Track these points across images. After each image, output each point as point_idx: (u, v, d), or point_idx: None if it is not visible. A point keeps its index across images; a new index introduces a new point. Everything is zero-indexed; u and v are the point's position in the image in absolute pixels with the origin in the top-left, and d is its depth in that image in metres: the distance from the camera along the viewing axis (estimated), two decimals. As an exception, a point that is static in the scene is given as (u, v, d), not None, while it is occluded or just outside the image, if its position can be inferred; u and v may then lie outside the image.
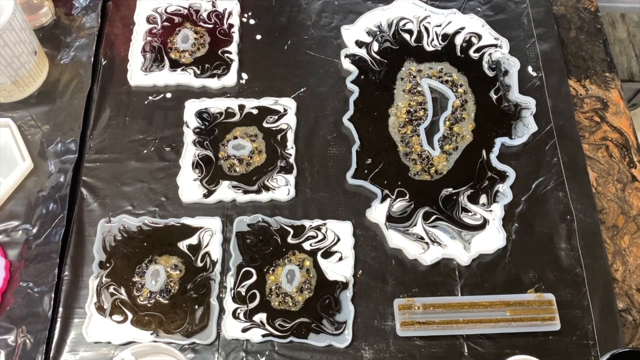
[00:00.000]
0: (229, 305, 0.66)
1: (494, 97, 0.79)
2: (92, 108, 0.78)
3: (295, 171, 0.74)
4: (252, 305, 0.66)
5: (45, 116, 0.77)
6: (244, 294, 0.66)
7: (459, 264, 0.69)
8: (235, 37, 0.83)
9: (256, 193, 0.72)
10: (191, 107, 0.78)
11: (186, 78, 0.80)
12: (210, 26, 0.84)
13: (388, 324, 0.66)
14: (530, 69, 0.82)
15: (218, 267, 0.68)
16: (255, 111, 0.77)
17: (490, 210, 0.71)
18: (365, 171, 0.74)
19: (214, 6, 0.85)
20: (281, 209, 0.72)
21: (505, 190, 0.72)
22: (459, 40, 0.83)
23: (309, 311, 0.65)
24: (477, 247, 0.69)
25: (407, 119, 0.77)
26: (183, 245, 0.69)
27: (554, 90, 0.80)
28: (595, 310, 0.67)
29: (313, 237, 0.69)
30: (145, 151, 0.76)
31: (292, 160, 0.74)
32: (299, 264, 0.67)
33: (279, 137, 0.75)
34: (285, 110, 0.77)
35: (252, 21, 0.85)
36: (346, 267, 0.68)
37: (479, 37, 0.83)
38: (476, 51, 0.82)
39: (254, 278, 0.67)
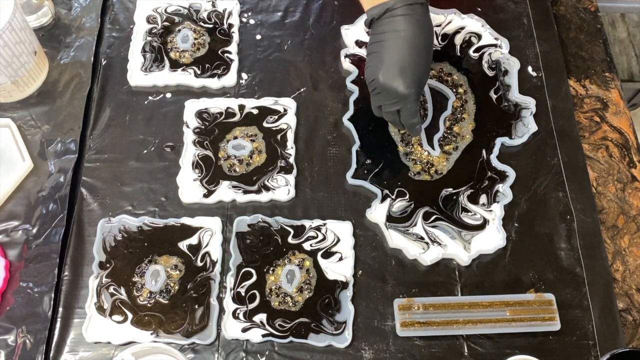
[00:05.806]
0: (229, 305, 0.66)
1: (494, 97, 0.79)
2: (92, 108, 0.78)
3: (295, 171, 0.74)
4: (252, 306, 0.66)
5: (45, 116, 0.77)
6: (243, 294, 0.66)
7: (459, 264, 0.69)
8: (235, 37, 0.83)
9: (256, 193, 0.72)
10: (191, 107, 0.78)
11: (186, 78, 0.80)
12: (210, 26, 0.84)
13: (388, 324, 0.66)
14: (530, 69, 0.82)
15: (218, 267, 0.68)
16: (255, 111, 0.77)
17: (490, 210, 0.71)
18: (365, 171, 0.74)
19: (214, 6, 0.85)
20: (281, 209, 0.72)
21: (505, 190, 0.72)
22: (458, 40, 0.83)
23: (309, 311, 0.65)
24: (477, 247, 0.69)
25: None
26: (183, 245, 0.69)
27: (554, 90, 0.80)
28: (595, 310, 0.67)
29: (313, 238, 0.69)
30: (145, 151, 0.76)
31: (292, 160, 0.74)
32: (299, 264, 0.67)
33: (279, 137, 0.75)
34: (285, 110, 0.77)
35: (252, 21, 0.85)
36: (346, 267, 0.68)
37: (479, 37, 0.83)
38: (476, 51, 0.82)
39: (254, 278, 0.67)
